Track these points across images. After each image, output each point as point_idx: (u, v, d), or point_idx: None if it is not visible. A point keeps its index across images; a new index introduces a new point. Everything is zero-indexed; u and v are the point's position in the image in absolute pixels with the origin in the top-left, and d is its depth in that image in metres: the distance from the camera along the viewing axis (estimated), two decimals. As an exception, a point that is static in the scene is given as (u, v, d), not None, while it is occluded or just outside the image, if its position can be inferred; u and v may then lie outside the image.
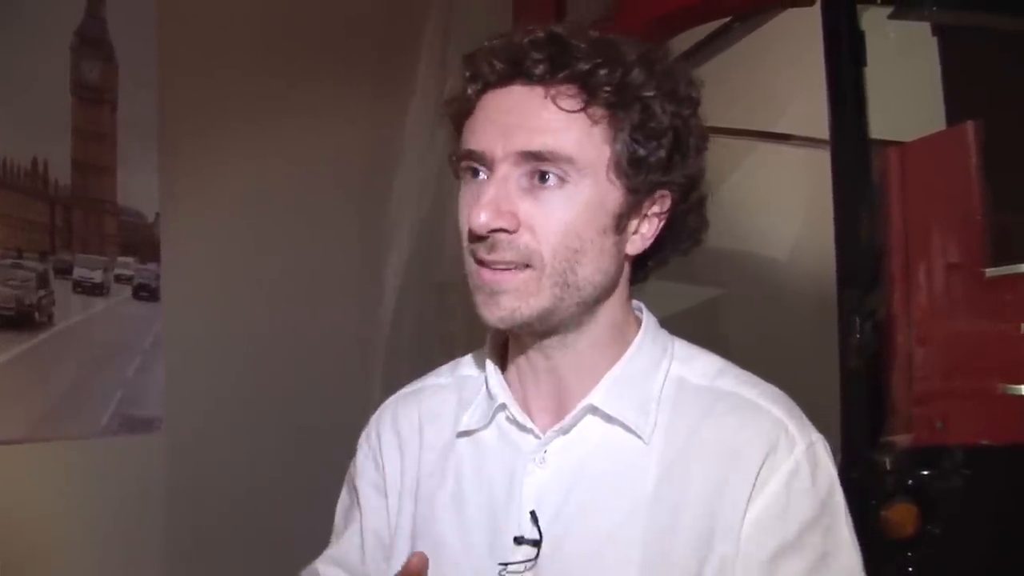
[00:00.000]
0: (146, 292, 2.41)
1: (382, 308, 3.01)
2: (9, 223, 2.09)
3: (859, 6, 1.93)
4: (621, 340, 0.97)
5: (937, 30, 2.31)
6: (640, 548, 0.89)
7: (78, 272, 2.24)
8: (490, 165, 0.90)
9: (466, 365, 1.08)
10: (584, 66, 0.88)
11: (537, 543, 0.91)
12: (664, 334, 1.00)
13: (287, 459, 2.62)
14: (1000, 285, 1.97)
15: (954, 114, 2.34)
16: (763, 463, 0.88)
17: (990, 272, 2.02)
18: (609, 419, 0.94)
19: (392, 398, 1.12)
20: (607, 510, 0.91)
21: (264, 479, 2.56)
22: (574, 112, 0.89)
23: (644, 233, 0.95)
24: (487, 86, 0.93)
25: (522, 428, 0.97)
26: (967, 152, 2.06)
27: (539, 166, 0.89)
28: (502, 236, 0.90)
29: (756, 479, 0.88)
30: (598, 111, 0.89)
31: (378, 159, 3.00)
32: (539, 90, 0.89)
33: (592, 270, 0.91)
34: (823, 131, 2.05)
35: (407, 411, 1.07)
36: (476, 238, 0.90)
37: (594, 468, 0.93)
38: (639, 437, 0.93)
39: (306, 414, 2.68)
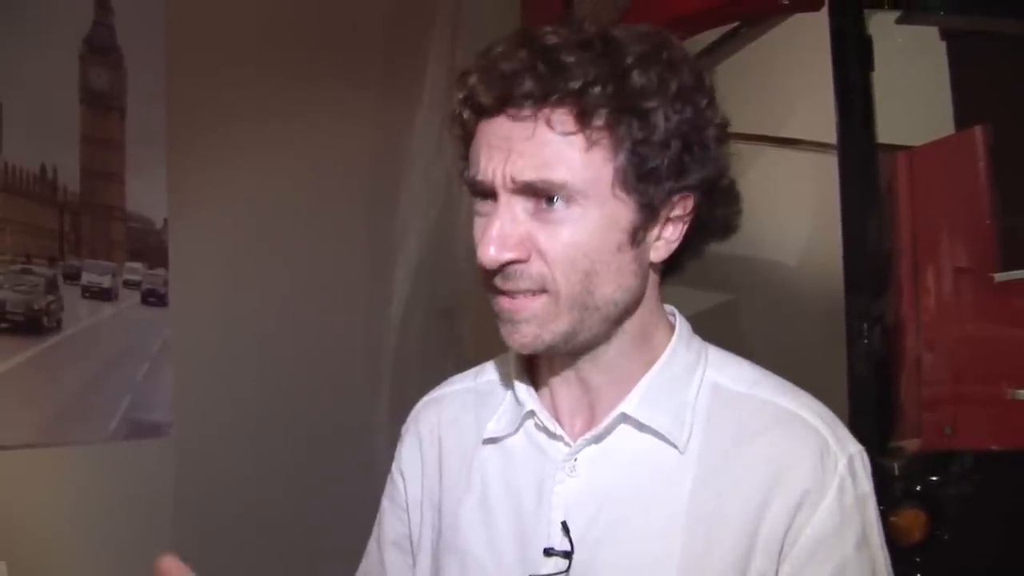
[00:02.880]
0: (154, 297, 2.41)
1: (390, 314, 3.01)
2: (18, 229, 2.10)
3: (866, 11, 1.92)
4: (652, 347, 0.94)
5: (945, 34, 2.31)
6: (677, 562, 0.87)
7: (87, 277, 2.25)
8: (493, 193, 0.88)
9: (489, 371, 1.06)
10: (575, 85, 0.83)
11: (568, 555, 0.89)
12: (697, 339, 0.98)
13: (295, 464, 2.62)
14: (1009, 289, 1.97)
15: (963, 118, 2.33)
16: (809, 482, 0.86)
17: (999, 277, 2.01)
18: (642, 427, 0.91)
19: (416, 407, 1.11)
20: (641, 522, 0.89)
21: (272, 484, 2.56)
22: (570, 134, 0.84)
23: (668, 238, 0.91)
24: (479, 115, 0.89)
25: (552, 435, 0.94)
26: (976, 156, 2.06)
27: (541, 193, 0.86)
28: (514, 267, 0.87)
29: (802, 498, 0.86)
30: (595, 131, 0.85)
31: (386, 165, 3.01)
32: (530, 117, 0.85)
33: (611, 289, 0.88)
34: (831, 136, 2.04)
35: (427, 417, 1.06)
36: (489, 272, 0.89)
37: (627, 478, 0.91)
38: (674, 446, 0.90)
39: (314, 419, 2.68)
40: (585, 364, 0.93)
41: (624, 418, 0.92)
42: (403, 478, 1.06)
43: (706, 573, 0.86)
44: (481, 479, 0.97)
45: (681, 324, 0.97)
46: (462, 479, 0.99)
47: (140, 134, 2.35)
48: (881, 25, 1.94)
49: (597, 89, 0.83)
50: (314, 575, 2.59)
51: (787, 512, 0.86)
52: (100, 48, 2.27)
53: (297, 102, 2.70)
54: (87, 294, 2.25)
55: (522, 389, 0.97)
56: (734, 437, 0.89)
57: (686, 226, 0.91)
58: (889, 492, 1.29)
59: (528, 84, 0.84)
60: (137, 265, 2.38)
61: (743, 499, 0.87)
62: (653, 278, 0.94)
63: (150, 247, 2.41)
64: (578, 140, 0.84)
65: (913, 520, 1.29)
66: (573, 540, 0.89)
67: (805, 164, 2.62)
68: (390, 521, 1.09)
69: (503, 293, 0.89)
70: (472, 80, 0.88)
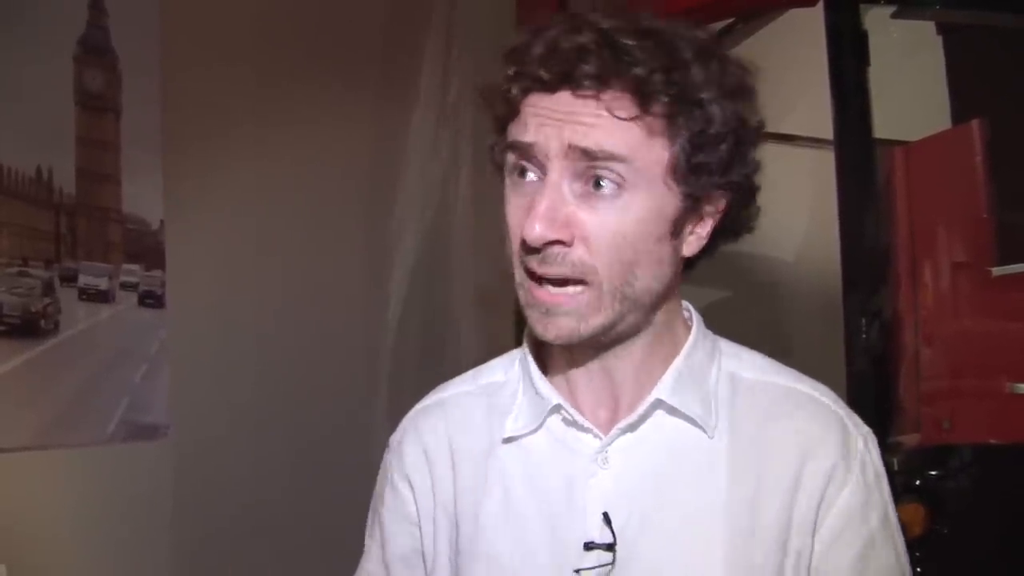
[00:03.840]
0: (151, 299, 2.41)
1: (387, 314, 3.01)
2: (14, 231, 2.09)
3: (862, 6, 1.92)
4: (675, 338, 0.95)
5: (941, 29, 2.31)
6: (722, 550, 0.88)
7: (83, 280, 2.24)
8: (542, 162, 0.86)
9: (488, 372, 1.04)
10: (639, 71, 0.83)
11: (612, 547, 0.88)
12: (710, 332, 0.99)
13: (293, 465, 2.62)
14: (1007, 283, 1.97)
15: (959, 113, 2.33)
16: (835, 458, 0.89)
17: (997, 271, 2.01)
18: (674, 412, 0.92)
19: (409, 416, 1.06)
20: (681, 510, 0.89)
21: (270, 485, 2.56)
22: (630, 119, 0.84)
23: (700, 233, 0.92)
24: (532, 89, 0.87)
25: (581, 428, 0.93)
26: (973, 150, 2.06)
27: (594, 167, 0.84)
28: (556, 249, 0.85)
29: (831, 473, 0.89)
30: (654, 118, 0.85)
31: (382, 166, 3.01)
32: (592, 97, 0.84)
33: (650, 279, 0.89)
34: (828, 131, 2.04)
35: (431, 424, 1.02)
36: (530, 250, 0.86)
37: (662, 466, 0.91)
38: (704, 431, 0.91)
39: (311, 420, 2.68)
40: (612, 355, 0.93)
41: (659, 404, 0.92)
42: (411, 489, 1.01)
43: (752, 555, 0.87)
44: (501, 480, 0.95)
45: (696, 316, 0.99)
46: (479, 483, 0.96)
47: (135, 135, 2.35)
48: (877, 20, 1.94)
49: (659, 77, 0.84)
50: (312, 575, 2.58)
51: (819, 488, 0.89)
52: (95, 50, 2.27)
53: (292, 103, 2.69)
54: (84, 296, 2.25)
55: (543, 384, 0.95)
56: (759, 422, 0.91)
57: (715, 223, 0.93)
58: (889, 486, 1.29)
59: (592, 65, 0.83)
60: (134, 267, 2.38)
61: (776, 479, 0.89)
62: (678, 271, 0.95)
63: (147, 249, 2.41)
64: (637, 125, 0.84)
65: (913, 514, 1.29)
66: (615, 531, 0.88)
67: (802, 160, 2.62)
68: (396, 536, 1.03)
69: (538, 281, 0.87)
70: (532, 53, 0.86)
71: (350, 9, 2.84)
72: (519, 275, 0.89)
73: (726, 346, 0.99)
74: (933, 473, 1.31)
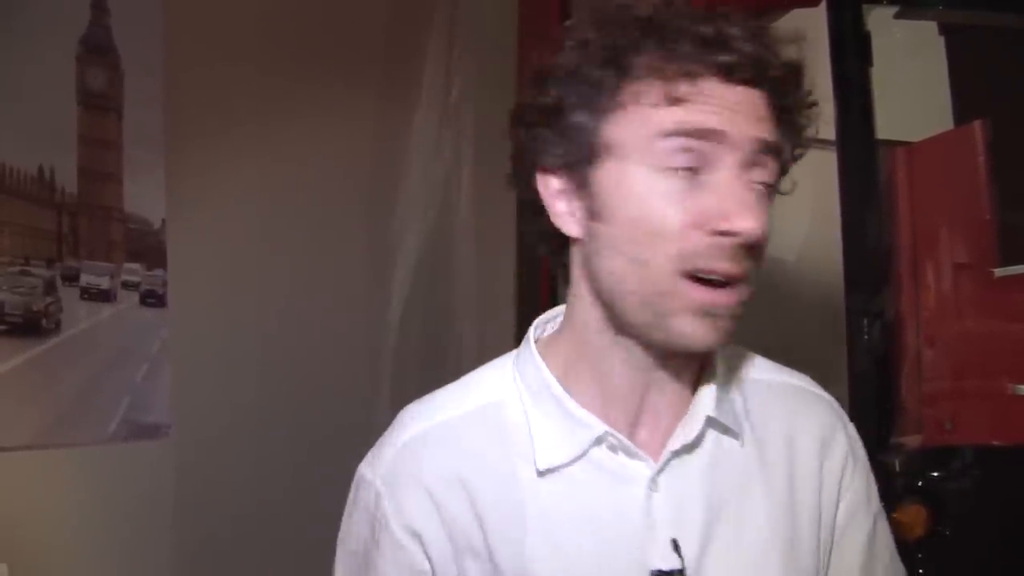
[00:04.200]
0: (153, 298, 2.41)
1: (389, 314, 3.01)
2: (16, 231, 2.09)
3: (865, 6, 1.92)
4: None
5: (944, 29, 2.30)
6: (777, 560, 0.86)
7: (85, 279, 2.24)
8: (719, 154, 0.79)
9: (478, 390, 0.92)
10: (777, 74, 0.82)
11: (682, 573, 0.83)
12: None
13: (294, 464, 2.61)
14: (1009, 285, 1.96)
15: (962, 113, 2.33)
16: (845, 447, 0.91)
17: (999, 272, 2.01)
18: (713, 424, 0.87)
19: (395, 450, 0.90)
20: (734, 525, 0.86)
21: (272, 484, 2.56)
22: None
23: None
24: (704, 75, 0.79)
25: (631, 454, 0.85)
26: (975, 151, 2.05)
27: (767, 164, 0.81)
28: (755, 249, 0.81)
29: (844, 463, 0.91)
30: (779, 121, 0.83)
31: (384, 165, 3.00)
32: (756, 92, 0.80)
33: None
34: (830, 132, 2.04)
35: (432, 459, 0.88)
36: (718, 248, 0.79)
37: (709, 482, 0.86)
38: (737, 440, 0.88)
39: (313, 420, 2.67)
40: (687, 365, 0.87)
41: (711, 421, 0.87)
42: (420, 542, 0.87)
43: (801, 558, 0.87)
44: (541, 516, 0.85)
45: None
46: (515, 521, 0.85)
47: (137, 135, 2.35)
48: (879, 20, 1.93)
49: (792, 83, 0.84)
50: (314, 575, 2.58)
51: (836, 481, 0.90)
52: (97, 49, 2.27)
53: (295, 102, 2.69)
54: (86, 295, 2.25)
55: (577, 407, 0.86)
56: (775, 424, 0.90)
57: None
58: (891, 488, 1.29)
59: (754, 60, 0.80)
60: (136, 266, 2.38)
61: (803, 480, 0.89)
62: None
63: (148, 248, 2.41)
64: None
65: (915, 516, 1.28)
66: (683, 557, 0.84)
67: (804, 160, 2.61)
68: None
69: (700, 282, 0.79)
70: (698, 35, 0.79)
71: (353, 9, 2.84)
72: (672, 279, 0.80)
73: (725, 349, 0.93)
74: (935, 474, 1.31)
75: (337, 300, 2.82)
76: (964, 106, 2.34)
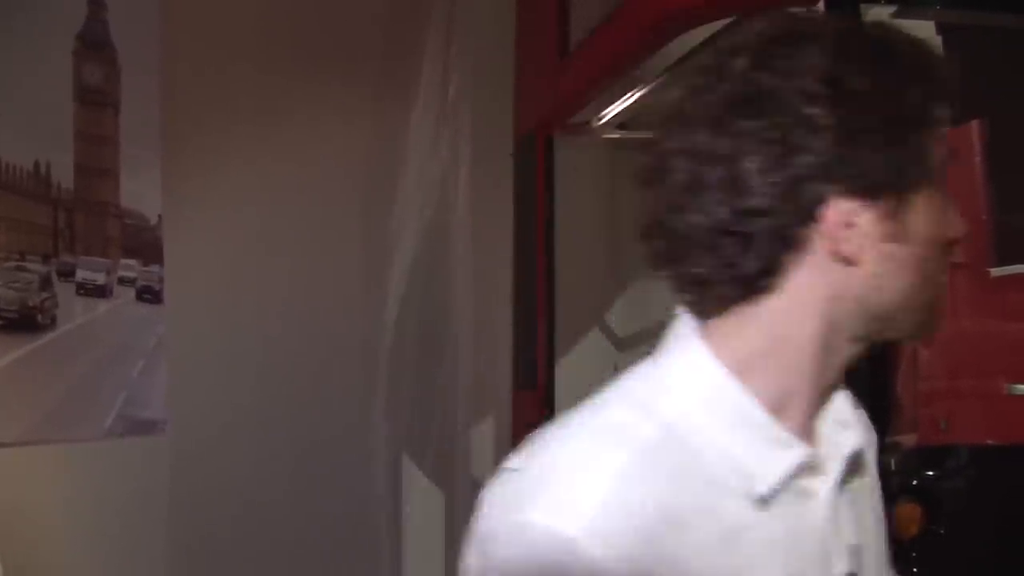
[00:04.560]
0: (149, 294, 2.41)
1: (385, 313, 3.01)
2: (12, 226, 2.09)
3: (862, 5, 1.91)
4: None
5: (942, 29, 2.30)
6: (885, 564, 0.88)
7: (81, 274, 2.24)
8: None
9: (665, 404, 0.78)
10: None
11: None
12: None
13: (290, 461, 2.62)
14: (1005, 284, 1.97)
15: (959, 113, 2.33)
16: (870, 429, 0.90)
17: (995, 272, 2.01)
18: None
19: (590, 497, 0.71)
20: (865, 526, 0.84)
21: (267, 481, 2.56)
22: None
23: None
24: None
25: (817, 473, 0.79)
26: (972, 151, 2.06)
27: None
28: None
29: (874, 447, 0.91)
30: None
31: (382, 164, 3.00)
32: None
33: None
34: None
35: (642, 499, 0.71)
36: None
37: (848, 487, 0.82)
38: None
39: (308, 417, 2.67)
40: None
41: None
42: None
43: (884, 551, 0.88)
44: (747, 554, 0.75)
45: None
46: (720, 563, 0.74)
47: (134, 130, 2.35)
48: (877, 19, 1.93)
49: None
50: (309, 572, 2.58)
51: (874, 462, 0.90)
52: (94, 44, 2.27)
53: (293, 100, 2.69)
54: (82, 291, 2.25)
55: (779, 428, 0.77)
56: (836, 414, 0.85)
57: None
58: (886, 487, 1.29)
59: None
60: (132, 262, 2.37)
61: (868, 469, 0.88)
62: None
63: (145, 244, 2.41)
64: None
65: (910, 514, 1.28)
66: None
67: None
68: None
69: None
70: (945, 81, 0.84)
71: (351, 7, 2.84)
72: (939, 274, 0.84)
73: None
74: (930, 473, 1.31)
75: (333, 297, 2.81)
76: (961, 106, 2.35)
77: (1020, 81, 2.14)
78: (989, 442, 1.65)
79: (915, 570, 1.30)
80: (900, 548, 1.28)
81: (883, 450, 1.37)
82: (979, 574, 1.35)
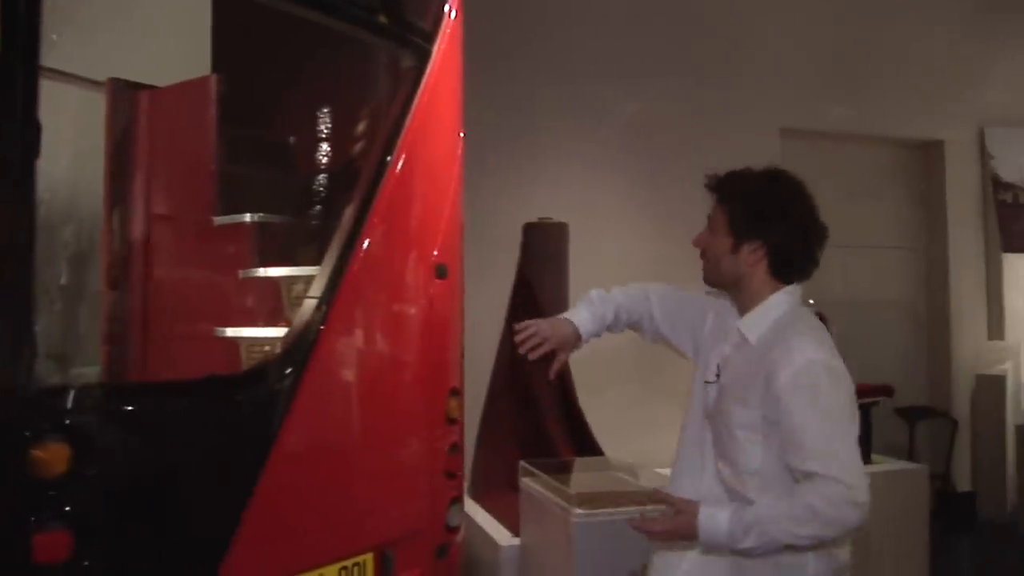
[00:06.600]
0: None
1: None
2: None
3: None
4: None
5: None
6: None
7: None
8: None
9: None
10: None
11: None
12: None
13: None
14: (225, 233, 2.08)
15: (217, 67, 2.39)
16: None
17: (218, 221, 2.11)
18: None
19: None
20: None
21: None
22: None
23: None
24: None
25: None
26: (206, 105, 2.12)
27: None
28: None
29: None
30: None
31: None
32: None
33: None
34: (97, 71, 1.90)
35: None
36: None
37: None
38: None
39: None
40: None
41: None
42: None
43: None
44: None
45: None
46: None
47: None
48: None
49: None
50: None
51: None
52: None
53: None
54: None
55: None
56: None
57: None
58: (33, 424, 1.24)
59: None
60: None
61: None
62: None
63: None
64: None
65: (56, 453, 1.25)
66: None
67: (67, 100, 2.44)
68: None
69: None
70: None
71: None
72: None
73: None
74: (80, 413, 1.29)
75: None
76: (219, 60, 2.41)
77: (247, 41, 2.28)
78: (149, 380, 1.71)
79: (67, 509, 1.28)
80: (46, 488, 1.25)
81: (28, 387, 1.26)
82: (131, 512, 1.37)
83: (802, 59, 4.95)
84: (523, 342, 1.73)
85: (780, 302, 1.69)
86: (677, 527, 1.59)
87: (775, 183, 1.68)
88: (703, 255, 1.73)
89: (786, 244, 1.66)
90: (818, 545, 1.57)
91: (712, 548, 1.61)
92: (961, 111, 5.37)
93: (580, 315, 1.82)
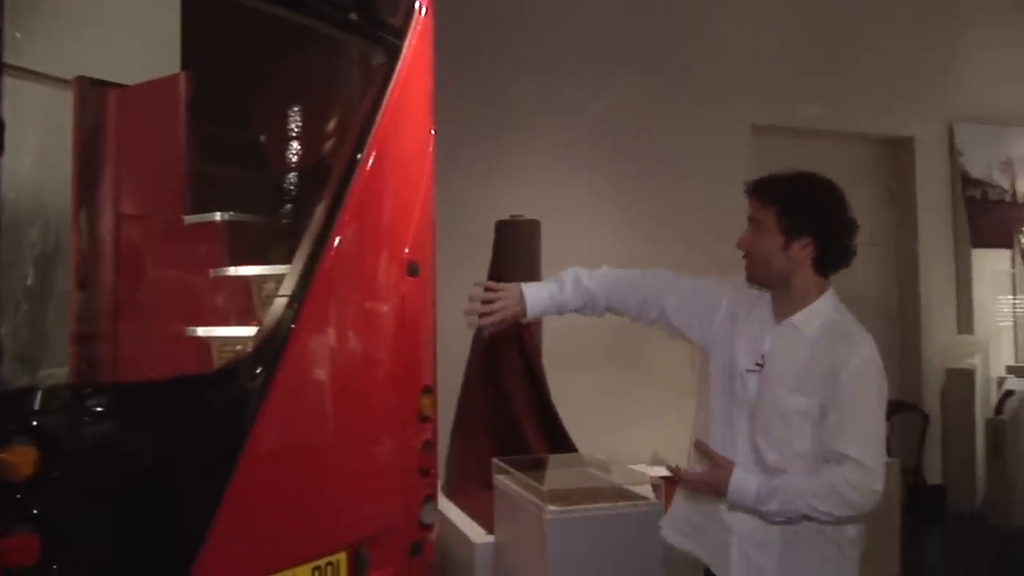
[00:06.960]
0: None
1: None
2: None
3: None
4: None
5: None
6: None
7: None
8: None
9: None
10: None
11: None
12: None
13: None
14: (195, 232, 2.07)
15: (187, 64, 2.38)
16: None
17: (189, 219, 2.10)
18: None
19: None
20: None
21: None
22: None
23: None
24: None
25: None
26: (176, 103, 2.11)
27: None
28: None
29: None
30: None
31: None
32: None
33: None
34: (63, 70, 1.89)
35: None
36: None
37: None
38: None
39: None
40: None
41: None
42: None
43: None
44: None
45: None
46: None
47: None
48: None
49: None
50: None
51: None
52: None
53: None
54: None
55: None
56: None
57: None
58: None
59: None
60: None
61: None
62: None
63: None
64: None
65: (23, 456, 1.25)
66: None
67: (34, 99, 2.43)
68: None
69: None
70: None
71: None
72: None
73: None
74: (48, 415, 1.28)
75: None
76: (190, 59, 2.40)
77: (218, 39, 2.26)
78: (118, 381, 1.71)
79: (35, 512, 1.27)
80: (13, 491, 1.24)
81: None
82: (100, 514, 1.37)
83: (774, 56, 4.99)
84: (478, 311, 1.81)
85: (828, 300, 1.86)
86: (711, 479, 1.81)
87: (814, 183, 1.84)
88: (748, 255, 1.86)
89: (831, 238, 1.82)
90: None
91: (736, 507, 1.81)
92: (931, 108, 5.44)
93: (539, 294, 1.90)
